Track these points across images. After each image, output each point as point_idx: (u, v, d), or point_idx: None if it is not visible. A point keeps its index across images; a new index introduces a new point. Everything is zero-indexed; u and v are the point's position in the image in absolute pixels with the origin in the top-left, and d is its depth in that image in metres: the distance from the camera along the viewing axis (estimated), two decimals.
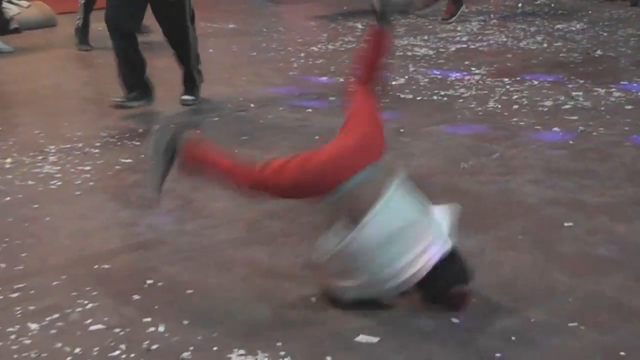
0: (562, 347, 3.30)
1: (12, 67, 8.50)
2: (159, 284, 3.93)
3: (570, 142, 5.71)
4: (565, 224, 4.44)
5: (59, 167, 5.52)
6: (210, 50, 8.83)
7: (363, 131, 3.74)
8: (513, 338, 3.38)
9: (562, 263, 4.02)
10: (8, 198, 5.05)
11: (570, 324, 3.47)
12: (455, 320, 3.52)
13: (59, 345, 3.44)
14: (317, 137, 5.92)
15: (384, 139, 3.78)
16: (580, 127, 5.98)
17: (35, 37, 9.50)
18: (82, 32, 9.18)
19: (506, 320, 3.52)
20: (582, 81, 7.13)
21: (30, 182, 5.29)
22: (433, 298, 3.59)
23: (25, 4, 10.19)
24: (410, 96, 6.86)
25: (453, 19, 9.91)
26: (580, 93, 6.78)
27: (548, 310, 3.59)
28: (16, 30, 9.26)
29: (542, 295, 3.72)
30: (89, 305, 3.75)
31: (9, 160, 5.69)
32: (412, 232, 3.51)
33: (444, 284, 3.54)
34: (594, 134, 5.87)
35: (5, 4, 9.62)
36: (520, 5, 10.84)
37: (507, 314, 3.58)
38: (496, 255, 4.12)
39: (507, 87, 7.02)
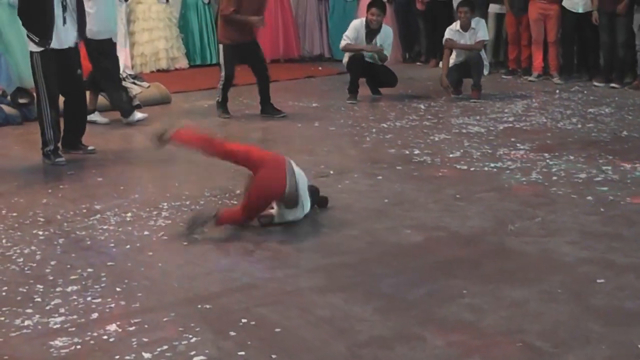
0: None
1: (133, 136, 8.61)
2: (252, 322, 3.92)
3: (602, 209, 5.60)
4: (598, 280, 4.34)
5: (170, 221, 5.55)
6: (299, 125, 8.87)
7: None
8: None
9: (596, 314, 3.92)
10: (128, 246, 5.09)
11: None
12: None
13: None
14: (386, 200, 5.88)
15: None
16: (610, 197, 5.86)
17: (153, 112, 9.61)
18: (222, 105, 9.35)
19: None
20: (610, 157, 7.00)
21: (146, 233, 5.33)
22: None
23: (146, 84, 10.33)
24: (465, 167, 6.79)
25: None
26: (610, 167, 6.65)
27: (585, 356, 3.50)
28: (138, 107, 9.37)
29: (579, 343, 3.63)
30: (193, 339, 3.75)
31: (129, 214, 5.73)
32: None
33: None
34: (622, 202, 5.75)
35: (129, 84, 9.77)
36: (557, 91, 10.71)
37: (549, 358, 3.48)
38: (539, 306, 4.03)
39: (547, 161, 6.92)
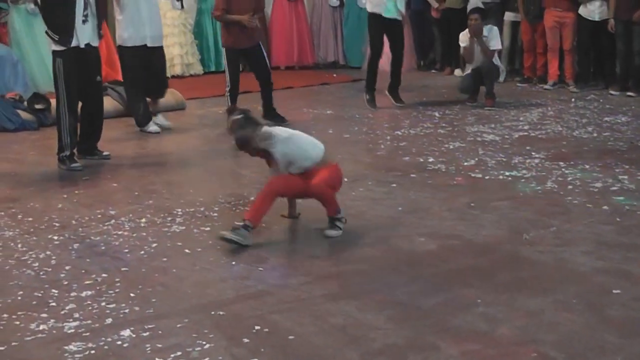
0: None
1: (148, 142, 8.64)
2: (265, 330, 3.92)
3: (617, 219, 5.57)
4: (614, 291, 4.32)
5: (184, 227, 5.57)
6: (313, 132, 8.82)
7: None
8: None
9: (612, 325, 3.91)
10: (142, 252, 5.10)
11: None
12: None
13: None
14: (400, 208, 5.88)
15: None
16: (626, 207, 5.84)
17: (168, 119, 9.63)
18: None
19: None
20: (627, 166, 6.98)
21: (160, 239, 5.34)
22: None
23: None
24: (480, 175, 6.79)
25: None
26: (626, 177, 6.63)
27: None
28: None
29: (594, 353, 3.61)
30: (207, 346, 3.76)
31: (143, 220, 5.75)
32: None
33: None
34: (638, 212, 5.71)
35: None
36: (573, 99, 10.69)
37: None
38: (554, 316, 4.02)
39: (563, 169, 6.90)
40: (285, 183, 5.25)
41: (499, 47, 10.50)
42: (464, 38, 10.34)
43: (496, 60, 10.38)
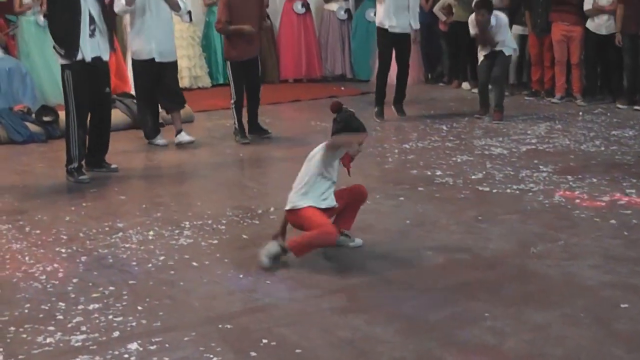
0: None
1: (155, 155, 8.65)
2: (272, 343, 3.92)
3: (625, 233, 5.56)
4: (621, 305, 4.31)
5: (192, 240, 5.57)
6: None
7: None
8: None
9: (619, 339, 3.90)
10: (150, 265, 5.10)
11: None
12: None
13: None
14: (407, 222, 5.88)
15: None
16: (634, 220, 5.82)
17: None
18: (240, 132, 9.28)
19: None
20: (634, 180, 6.96)
21: (168, 252, 5.34)
22: None
23: None
24: (487, 189, 6.78)
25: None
26: (634, 190, 6.61)
27: None
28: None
29: None
30: (214, 359, 3.75)
31: (151, 232, 5.76)
32: None
33: None
34: None
35: None
36: (580, 113, 10.68)
37: None
38: (561, 329, 4.01)
39: (570, 183, 6.89)
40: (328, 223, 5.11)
41: (503, 37, 10.26)
42: (471, 25, 10.27)
43: (509, 43, 10.27)
